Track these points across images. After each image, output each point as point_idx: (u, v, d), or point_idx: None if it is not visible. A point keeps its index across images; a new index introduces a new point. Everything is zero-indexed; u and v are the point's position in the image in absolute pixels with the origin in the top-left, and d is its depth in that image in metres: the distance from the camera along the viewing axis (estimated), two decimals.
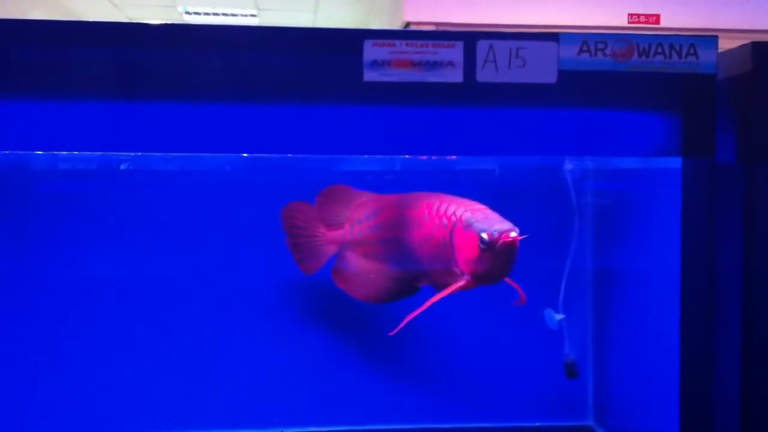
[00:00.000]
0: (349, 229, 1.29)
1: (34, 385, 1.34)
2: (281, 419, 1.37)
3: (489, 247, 1.12)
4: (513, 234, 1.11)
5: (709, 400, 1.09)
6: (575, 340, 1.39)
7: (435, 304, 1.24)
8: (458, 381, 1.41)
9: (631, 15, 3.72)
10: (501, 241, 1.11)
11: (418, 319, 1.38)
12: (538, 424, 1.41)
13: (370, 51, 1.01)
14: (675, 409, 1.10)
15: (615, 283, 1.37)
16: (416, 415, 1.40)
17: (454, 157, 1.31)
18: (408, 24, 3.69)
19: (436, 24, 3.64)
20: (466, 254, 1.15)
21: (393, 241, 1.26)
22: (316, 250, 1.31)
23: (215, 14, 5.72)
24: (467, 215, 1.16)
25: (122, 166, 1.34)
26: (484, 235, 1.12)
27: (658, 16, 3.73)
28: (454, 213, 1.18)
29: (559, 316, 1.34)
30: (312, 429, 1.38)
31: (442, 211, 1.19)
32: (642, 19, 3.72)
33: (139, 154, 1.26)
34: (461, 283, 1.17)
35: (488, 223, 1.14)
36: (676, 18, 3.72)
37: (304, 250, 1.32)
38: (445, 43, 1.02)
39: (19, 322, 1.34)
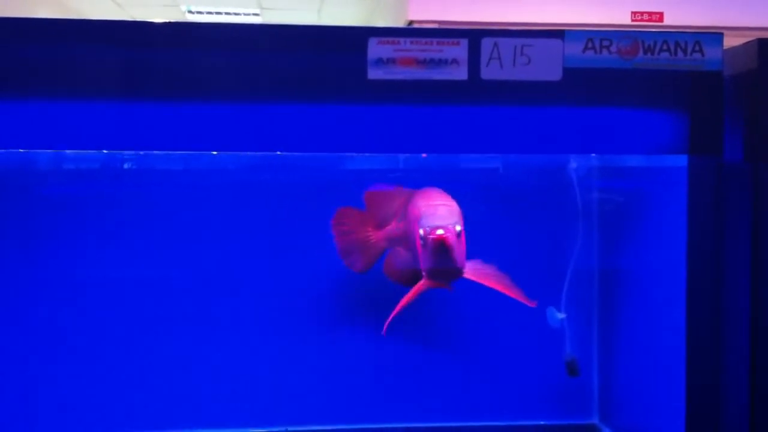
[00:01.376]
0: (395, 224, 1.29)
1: (47, 388, 1.33)
2: (285, 418, 1.38)
3: (424, 243, 1.12)
4: (440, 231, 1.10)
5: (716, 400, 1.08)
6: (580, 338, 1.39)
7: (440, 301, 1.24)
8: (463, 379, 1.41)
9: (634, 13, 3.72)
10: (430, 237, 1.10)
11: (422, 318, 1.38)
12: (543, 422, 1.41)
13: (375, 49, 1.01)
14: (681, 409, 1.09)
15: (621, 282, 1.37)
16: (421, 413, 1.39)
17: (424, 155, 1.30)
18: (411, 22, 3.69)
19: (439, 22, 3.64)
20: (418, 249, 1.15)
21: (411, 236, 1.26)
22: (368, 250, 1.32)
23: (218, 13, 5.72)
24: (423, 210, 1.15)
25: (126, 165, 1.34)
26: (421, 231, 1.12)
27: (661, 14, 3.73)
28: (418, 207, 1.17)
29: (561, 315, 1.34)
30: (309, 428, 1.37)
31: (415, 205, 1.18)
32: (645, 16, 3.72)
33: (144, 153, 1.26)
34: (422, 281, 1.17)
35: (431, 218, 1.12)
36: (679, 15, 3.71)
37: (356, 252, 1.32)
38: (450, 40, 1.02)
39: (43, 324, 1.34)
